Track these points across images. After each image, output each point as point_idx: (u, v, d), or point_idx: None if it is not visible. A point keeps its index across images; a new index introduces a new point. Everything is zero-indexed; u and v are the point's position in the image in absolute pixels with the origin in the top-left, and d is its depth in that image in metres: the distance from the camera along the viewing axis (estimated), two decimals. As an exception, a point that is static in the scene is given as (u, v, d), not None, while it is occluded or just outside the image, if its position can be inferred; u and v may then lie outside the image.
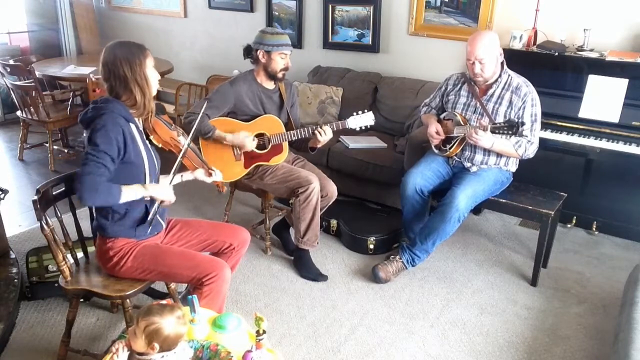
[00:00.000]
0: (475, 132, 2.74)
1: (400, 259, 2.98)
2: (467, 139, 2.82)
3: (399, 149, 3.71)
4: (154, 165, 2.16)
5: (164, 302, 1.73)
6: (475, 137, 2.75)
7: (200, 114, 2.36)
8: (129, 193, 2.02)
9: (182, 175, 2.33)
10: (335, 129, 2.88)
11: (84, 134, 2.05)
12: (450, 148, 2.94)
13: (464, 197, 2.76)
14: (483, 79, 2.84)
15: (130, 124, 2.04)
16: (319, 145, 2.95)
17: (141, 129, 2.14)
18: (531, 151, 2.85)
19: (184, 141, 2.23)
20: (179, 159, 2.19)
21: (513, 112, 2.82)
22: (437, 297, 2.87)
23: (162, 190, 2.14)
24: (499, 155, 2.90)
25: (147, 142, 2.16)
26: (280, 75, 2.96)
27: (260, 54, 2.91)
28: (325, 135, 2.85)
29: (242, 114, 2.97)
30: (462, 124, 2.89)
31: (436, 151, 3.04)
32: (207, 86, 4.62)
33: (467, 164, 2.97)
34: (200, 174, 2.37)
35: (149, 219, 2.13)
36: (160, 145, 2.22)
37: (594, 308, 2.80)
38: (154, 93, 2.11)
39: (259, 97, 2.98)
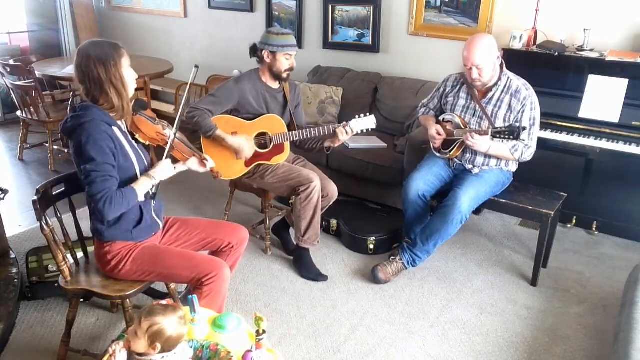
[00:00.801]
0: (471, 136, 2.73)
1: (401, 259, 2.98)
2: (465, 142, 2.81)
3: (399, 149, 3.71)
4: (145, 166, 2.14)
5: (164, 302, 1.73)
6: (471, 141, 2.74)
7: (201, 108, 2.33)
8: (143, 187, 2.05)
9: (174, 167, 2.25)
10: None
11: (70, 144, 2.01)
12: (450, 151, 2.93)
13: (467, 198, 2.76)
14: (481, 84, 2.81)
15: (114, 127, 2.01)
16: (337, 145, 2.94)
17: (125, 130, 2.11)
18: (528, 155, 2.84)
19: (170, 133, 2.19)
20: (166, 151, 2.16)
21: (512, 116, 2.80)
22: (437, 297, 2.87)
23: (165, 169, 2.13)
24: (499, 156, 2.90)
25: (134, 142, 2.13)
26: (284, 75, 2.95)
27: (265, 54, 2.91)
28: (346, 135, 2.84)
29: (245, 113, 2.97)
30: (462, 126, 2.89)
31: (437, 154, 3.03)
32: (207, 86, 4.62)
33: (469, 166, 2.96)
34: (193, 164, 2.29)
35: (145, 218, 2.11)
36: (147, 143, 2.18)
37: (594, 308, 2.80)
38: (132, 93, 2.06)
39: (263, 96, 2.98)
